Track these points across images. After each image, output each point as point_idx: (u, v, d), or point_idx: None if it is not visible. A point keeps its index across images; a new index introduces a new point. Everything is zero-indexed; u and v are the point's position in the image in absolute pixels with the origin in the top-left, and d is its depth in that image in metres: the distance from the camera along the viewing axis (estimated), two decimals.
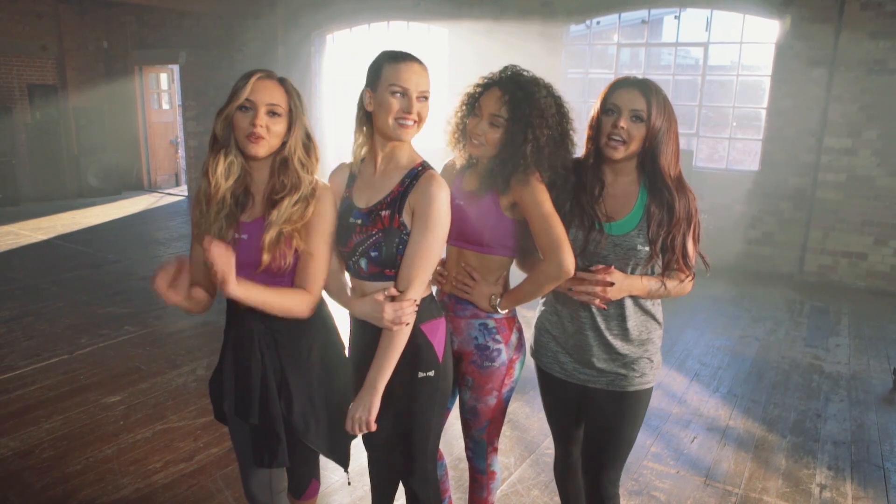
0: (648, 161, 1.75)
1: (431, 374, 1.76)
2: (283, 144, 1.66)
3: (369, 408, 1.69)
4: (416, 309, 1.70)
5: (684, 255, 1.77)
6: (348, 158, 1.86)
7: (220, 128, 1.62)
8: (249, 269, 1.65)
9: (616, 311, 1.83)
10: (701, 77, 7.20)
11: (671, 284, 1.81)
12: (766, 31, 6.60)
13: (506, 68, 1.86)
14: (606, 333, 1.84)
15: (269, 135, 1.61)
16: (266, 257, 1.62)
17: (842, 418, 3.59)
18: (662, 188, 1.75)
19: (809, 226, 6.47)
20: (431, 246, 1.67)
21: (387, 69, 1.65)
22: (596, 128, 1.78)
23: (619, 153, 1.73)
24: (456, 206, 1.84)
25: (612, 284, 1.73)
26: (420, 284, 1.69)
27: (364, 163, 1.80)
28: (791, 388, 3.98)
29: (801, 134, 6.42)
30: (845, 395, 3.90)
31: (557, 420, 2.10)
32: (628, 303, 1.83)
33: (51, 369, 3.91)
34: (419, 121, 1.68)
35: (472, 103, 1.86)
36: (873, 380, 4.12)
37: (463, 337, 1.93)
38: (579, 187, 1.81)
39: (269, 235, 1.62)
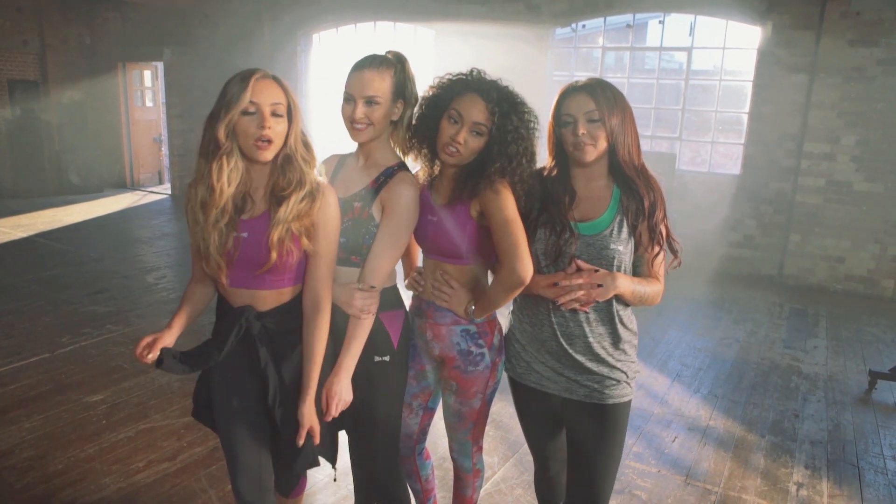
0: (611, 155, 1.76)
1: (387, 358, 1.88)
2: (285, 143, 1.65)
3: (348, 387, 1.78)
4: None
5: (667, 241, 1.77)
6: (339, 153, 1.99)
7: (223, 134, 1.57)
8: (252, 267, 1.64)
9: (586, 317, 1.78)
10: (684, 81, 7.28)
11: (650, 288, 1.78)
12: (749, 37, 6.71)
13: (472, 70, 1.84)
14: (576, 341, 1.79)
15: (275, 137, 1.59)
16: (273, 255, 1.61)
17: (819, 418, 3.66)
18: (628, 180, 1.75)
19: (789, 229, 6.57)
20: (398, 241, 1.79)
21: (348, 75, 1.79)
22: (557, 142, 1.78)
23: (590, 154, 1.72)
24: (429, 222, 1.88)
25: (598, 286, 1.70)
26: (385, 276, 1.81)
27: (350, 156, 1.94)
28: (770, 388, 4.04)
29: (781, 139, 6.53)
30: (822, 395, 3.97)
31: (535, 433, 2.05)
32: (598, 309, 1.79)
33: (31, 368, 3.87)
34: (371, 123, 1.77)
35: (440, 107, 1.81)
36: (849, 381, 4.21)
37: (445, 343, 1.94)
38: (548, 199, 1.79)
39: (278, 232, 1.60)
